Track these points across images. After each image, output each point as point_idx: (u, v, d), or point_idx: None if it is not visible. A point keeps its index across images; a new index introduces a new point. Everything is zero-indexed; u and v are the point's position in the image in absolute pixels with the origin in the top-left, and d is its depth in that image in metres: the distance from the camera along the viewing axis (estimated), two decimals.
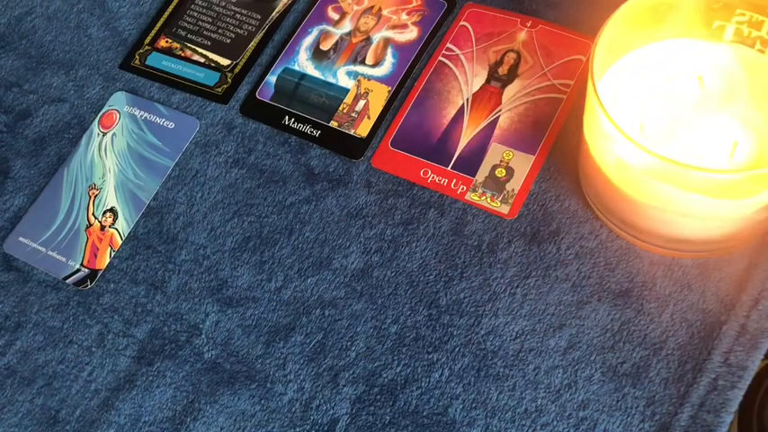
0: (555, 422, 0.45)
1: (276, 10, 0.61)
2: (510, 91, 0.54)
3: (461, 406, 0.47)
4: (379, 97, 0.56)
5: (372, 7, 0.59)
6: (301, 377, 0.49)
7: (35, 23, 0.64)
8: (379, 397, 0.48)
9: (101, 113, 0.60)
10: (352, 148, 0.55)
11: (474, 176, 0.52)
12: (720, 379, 0.44)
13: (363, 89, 0.57)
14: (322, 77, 0.58)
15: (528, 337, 0.48)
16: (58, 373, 0.52)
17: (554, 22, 0.56)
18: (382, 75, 0.57)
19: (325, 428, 0.48)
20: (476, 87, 0.55)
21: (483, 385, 0.47)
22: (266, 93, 0.58)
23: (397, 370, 0.48)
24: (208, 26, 0.61)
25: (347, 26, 0.59)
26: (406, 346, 0.49)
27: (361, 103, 0.56)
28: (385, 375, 0.48)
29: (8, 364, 0.53)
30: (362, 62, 0.58)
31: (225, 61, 0.60)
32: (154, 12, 0.63)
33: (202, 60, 0.60)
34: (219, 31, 0.61)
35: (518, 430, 0.46)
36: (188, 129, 0.58)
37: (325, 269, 0.52)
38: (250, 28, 0.61)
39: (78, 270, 0.55)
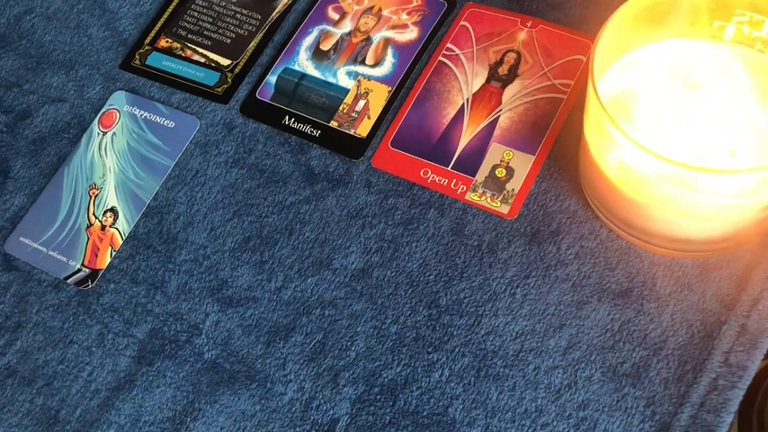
0: (555, 422, 0.45)
1: (276, 10, 0.61)
2: (510, 91, 0.54)
3: (461, 406, 0.47)
4: (379, 97, 0.56)
5: (372, 7, 0.59)
6: (301, 377, 0.49)
7: (35, 23, 0.64)
8: (379, 397, 0.48)
9: (101, 113, 0.60)
10: (352, 148, 0.55)
11: (474, 176, 0.52)
12: (720, 379, 0.44)
13: (363, 89, 0.57)
14: (322, 77, 0.58)
15: (528, 337, 0.48)
16: (58, 373, 0.52)
17: (554, 22, 0.56)
18: (382, 75, 0.57)
19: (326, 428, 0.48)
20: (476, 87, 0.55)
21: (483, 385, 0.47)
22: (266, 93, 0.58)
23: (397, 370, 0.48)
24: (208, 26, 0.61)
25: (347, 26, 0.59)
26: (406, 346, 0.49)
27: (361, 103, 0.56)
28: (385, 375, 0.48)
29: (8, 364, 0.53)
30: (362, 62, 0.58)
31: (225, 61, 0.60)
32: (154, 12, 0.63)
33: (203, 60, 0.60)
34: (220, 31, 0.61)
35: (518, 430, 0.46)
36: (188, 128, 0.58)
37: (325, 269, 0.52)
38: (250, 28, 0.61)
39: (79, 270, 0.55)
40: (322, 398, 0.49)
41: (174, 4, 0.63)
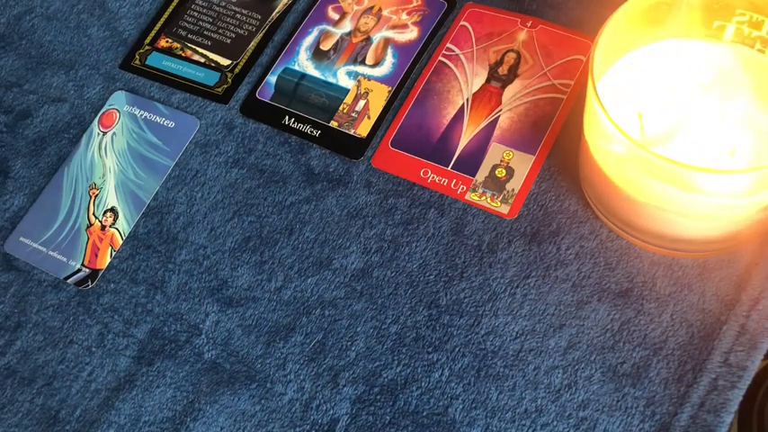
0: (555, 422, 0.45)
1: (276, 10, 0.61)
2: (510, 91, 0.54)
3: (461, 406, 0.47)
4: (379, 97, 0.56)
5: (372, 7, 0.59)
6: (301, 377, 0.49)
7: (35, 23, 0.64)
8: (379, 397, 0.48)
9: (101, 113, 0.60)
10: (352, 148, 0.55)
11: (474, 176, 0.52)
12: (720, 379, 0.44)
13: (363, 89, 0.57)
14: (322, 77, 0.58)
15: (528, 337, 0.48)
16: (58, 373, 0.52)
17: (554, 22, 0.56)
18: (382, 75, 0.57)
19: (325, 428, 0.48)
20: (476, 87, 0.55)
21: (483, 385, 0.47)
22: (266, 93, 0.58)
23: (397, 370, 0.48)
24: (208, 26, 0.61)
25: (347, 26, 0.59)
26: (406, 346, 0.49)
27: (361, 103, 0.56)
28: (385, 375, 0.48)
29: (8, 364, 0.53)
30: (362, 62, 0.58)
31: (225, 61, 0.60)
32: (154, 12, 0.63)
33: (203, 60, 0.60)
34: (220, 31, 0.61)
35: (518, 430, 0.46)
36: (188, 128, 0.58)
37: (325, 269, 0.52)
38: (250, 28, 0.61)
39: (79, 270, 0.55)
40: (322, 398, 0.49)
41: (174, 4, 0.63)
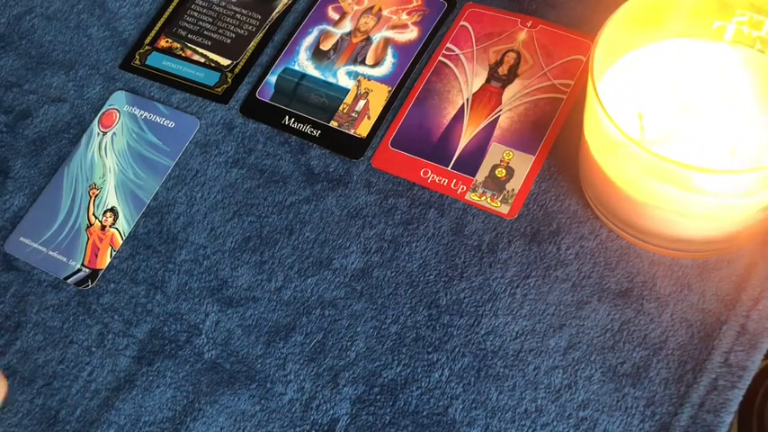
0: (555, 422, 0.45)
1: (276, 10, 0.61)
2: (510, 91, 0.54)
3: (461, 406, 0.47)
4: (379, 97, 0.56)
5: (372, 7, 0.59)
6: (301, 377, 0.49)
7: (35, 23, 0.64)
8: (379, 397, 0.48)
9: (101, 113, 0.60)
10: (352, 148, 0.55)
11: (474, 176, 0.52)
12: (720, 379, 0.44)
13: (363, 89, 0.57)
14: (322, 77, 0.58)
15: (528, 337, 0.48)
16: (58, 373, 0.52)
17: (554, 22, 0.56)
18: (382, 75, 0.57)
19: (325, 428, 0.48)
20: (476, 87, 0.55)
21: (483, 385, 0.47)
22: (266, 93, 0.58)
23: (397, 370, 0.48)
24: (208, 26, 0.62)
25: (347, 26, 0.59)
26: (406, 346, 0.49)
27: (361, 103, 0.56)
28: (385, 375, 0.48)
29: (8, 364, 0.53)
30: (362, 62, 0.58)
31: (225, 61, 0.60)
32: (154, 12, 0.63)
33: (203, 60, 0.60)
34: (220, 31, 0.61)
35: (518, 430, 0.46)
36: (188, 128, 0.58)
37: (325, 269, 0.52)
38: (250, 28, 0.61)
39: (79, 270, 0.55)
40: (322, 398, 0.49)
41: (174, 4, 0.63)
